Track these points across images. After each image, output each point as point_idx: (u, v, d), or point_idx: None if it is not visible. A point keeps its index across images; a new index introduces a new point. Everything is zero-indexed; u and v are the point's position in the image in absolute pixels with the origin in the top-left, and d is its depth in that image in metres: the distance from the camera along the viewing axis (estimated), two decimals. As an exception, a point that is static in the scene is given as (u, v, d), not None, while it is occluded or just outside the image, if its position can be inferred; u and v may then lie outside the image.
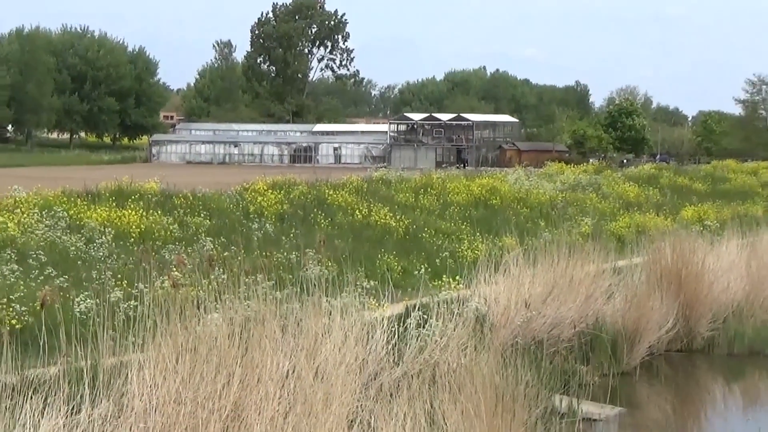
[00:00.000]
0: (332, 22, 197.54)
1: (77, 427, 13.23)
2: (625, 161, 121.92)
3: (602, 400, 22.72)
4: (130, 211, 31.37)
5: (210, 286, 18.07)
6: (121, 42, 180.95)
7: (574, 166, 78.09)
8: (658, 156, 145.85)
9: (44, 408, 13.24)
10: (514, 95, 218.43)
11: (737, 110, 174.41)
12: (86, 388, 14.07)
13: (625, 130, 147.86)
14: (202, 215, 33.84)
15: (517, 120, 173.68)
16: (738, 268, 31.87)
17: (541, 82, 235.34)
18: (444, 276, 28.06)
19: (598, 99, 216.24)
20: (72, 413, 13.49)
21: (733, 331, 29.29)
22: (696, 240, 32.55)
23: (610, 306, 26.75)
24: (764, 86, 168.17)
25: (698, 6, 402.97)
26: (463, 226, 39.93)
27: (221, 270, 22.75)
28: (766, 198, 65.73)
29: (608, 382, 23.89)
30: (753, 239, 36.76)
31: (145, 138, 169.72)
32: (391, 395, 16.11)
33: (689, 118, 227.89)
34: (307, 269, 25.83)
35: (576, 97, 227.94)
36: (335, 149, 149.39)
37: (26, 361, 14.83)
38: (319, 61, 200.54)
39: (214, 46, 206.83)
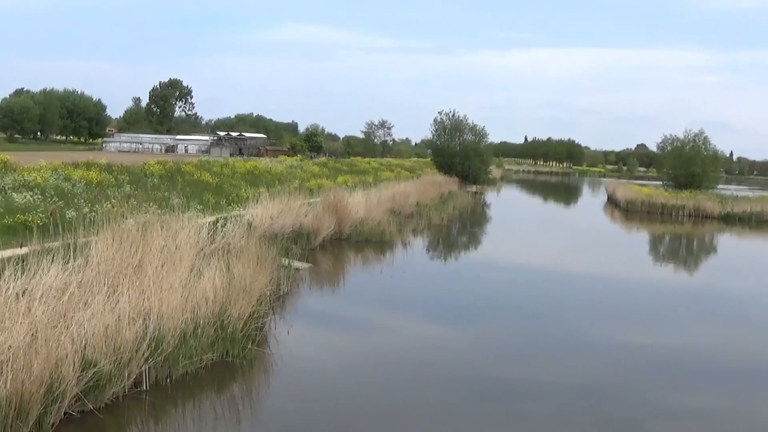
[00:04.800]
0: (185, 90, 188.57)
1: (68, 269, 12.76)
2: (312, 156, 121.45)
3: (303, 260, 23.23)
4: (92, 172, 29.48)
5: (128, 207, 17.59)
6: (90, 95, 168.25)
7: (291, 158, 77.65)
8: (327, 154, 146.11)
9: (52, 261, 12.71)
10: (266, 126, 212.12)
11: (362, 135, 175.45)
12: (71, 252, 13.57)
13: (313, 143, 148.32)
14: (125, 174, 32.15)
15: (266, 137, 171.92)
16: (361, 204, 32.61)
17: (278, 120, 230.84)
18: (233, 205, 27.97)
19: (302, 128, 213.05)
20: (65, 263, 13.01)
21: (358, 231, 30.08)
22: (344, 191, 33.26)
23: (307, 219, 26.94)
24: (374, 125, 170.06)
25: (322, 79, 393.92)
26: (243, 183, 39.32)
27: (133, 200, 22.15)
28: (373, 175, 66.98)
29: (305, 253, 24.37)
30: (368, 191, 37.83)
31: (99, 140, 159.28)
32: (210, 258, 16.05)
33: (341, 138, 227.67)
34: (172, 201, 25.33)
35: (292, 127, 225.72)
36: (185, 147, 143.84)
37: (44, 240, 14.11)
38: (180, 108, 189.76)
39: (132, 99, 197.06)
